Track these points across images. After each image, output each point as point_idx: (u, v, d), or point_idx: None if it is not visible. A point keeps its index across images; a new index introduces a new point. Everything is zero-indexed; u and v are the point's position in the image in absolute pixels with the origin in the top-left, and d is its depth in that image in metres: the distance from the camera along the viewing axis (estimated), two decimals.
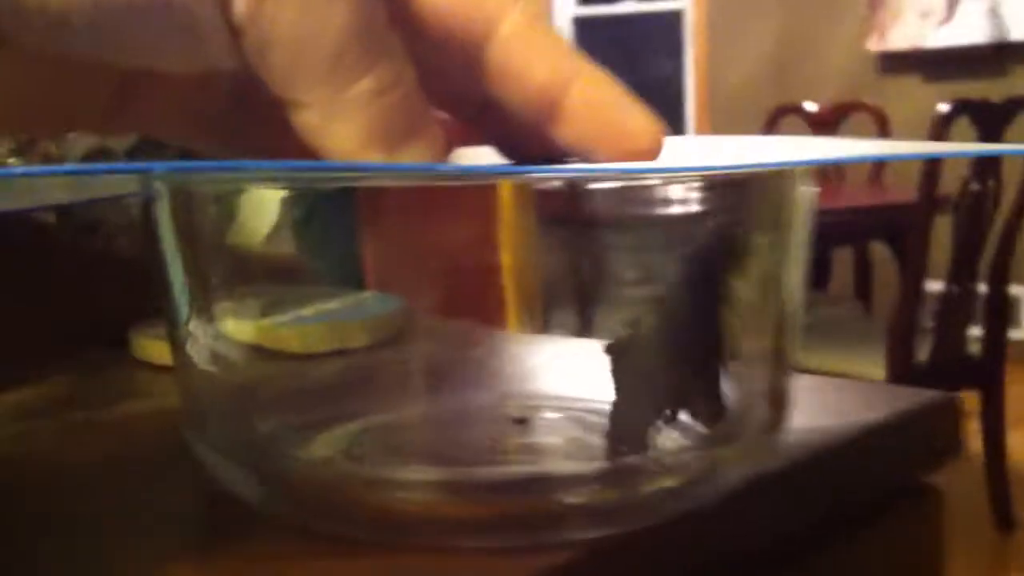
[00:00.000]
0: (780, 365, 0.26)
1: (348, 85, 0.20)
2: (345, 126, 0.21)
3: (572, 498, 0.23)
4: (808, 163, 0.25)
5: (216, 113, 0.27)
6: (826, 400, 0.32)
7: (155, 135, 0.27)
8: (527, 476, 0.24)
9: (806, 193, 0.25)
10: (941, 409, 0.31)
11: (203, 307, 0.25)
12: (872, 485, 0.30)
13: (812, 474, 0.27)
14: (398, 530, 0.23)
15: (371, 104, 0.21)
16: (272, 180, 0.23)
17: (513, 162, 0.25)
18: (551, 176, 0.23)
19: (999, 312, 1.93)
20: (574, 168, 0.23)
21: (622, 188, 0.23)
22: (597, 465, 0.24)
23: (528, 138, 0.25)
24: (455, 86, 0.26)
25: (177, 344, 0.26)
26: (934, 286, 1.80)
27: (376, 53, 0.21)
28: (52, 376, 0.40)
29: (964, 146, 0.25)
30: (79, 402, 0.37)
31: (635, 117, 0.23)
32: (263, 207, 0.24)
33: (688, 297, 0.24)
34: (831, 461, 0.28)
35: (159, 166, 0.18)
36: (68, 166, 0.17)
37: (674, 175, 0.23)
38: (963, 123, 1.80)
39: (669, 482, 0.24)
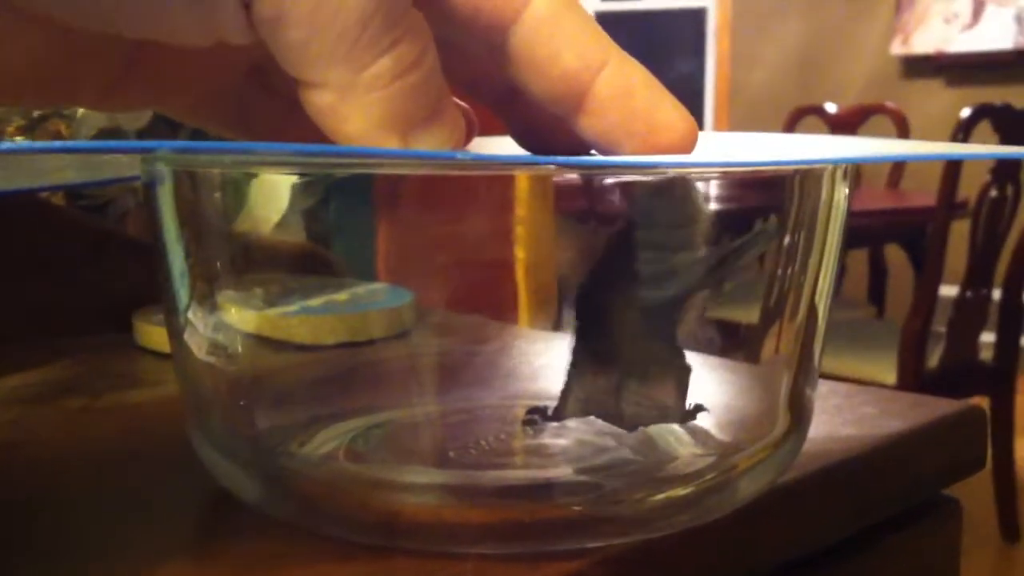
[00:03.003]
0: (803, 372, 0.25)
1: (366, 65, 0.19)
2: (360, 108, 0.20)
3: (579, 506, 0.22)
4: (833, 161, 0.24)
5: (227, 91, 0.26)
6: (847, 408, 0.31)
7: (163, 111, 0.26)
8: (534, 482, 0.23)
9: (839, 194, 0.24)
10: (967, 420, 0.30)
11: (204, 295, 0.24)
12: (893, 497, 0.29)
13: (830, 486, 0.26)
14: (399, 534, 0.22)
15: (389, 86, 0.19)
16: (281, 164, 0.22)
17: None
18: (569, 168, 0.21)
19: (1013, 319, 1.92)
20: (591, 160, 0.22)
21: (643, 183, 0.22)
22: (608, 472, 0.23)
23: (554, 131, 0.24)
24: (479, 71, 0.25)
25: (175, 333, 0.25)
26: (949, 291, 1.79)
27: (398, 32, 0.19)
28: (55, 361, 0.39)
29: (984, 148, 0.24)
30: (80, 388, 0.36)
31: (666, 110, 0.22)
32: (274, 194, 0.23)
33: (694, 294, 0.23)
34: (851, 472, 0.27)
35: (164, 145, 0.17)
36: (69, 143, 0.16)
37: (695, 170, 0.22)
38: (984, 128, 1.79)
39: (682, 491, 0.23)
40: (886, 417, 0.29)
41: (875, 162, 0.24)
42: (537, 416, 0.24)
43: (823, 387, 0.32)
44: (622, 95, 0.21)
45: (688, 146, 0.22)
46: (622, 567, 0.22)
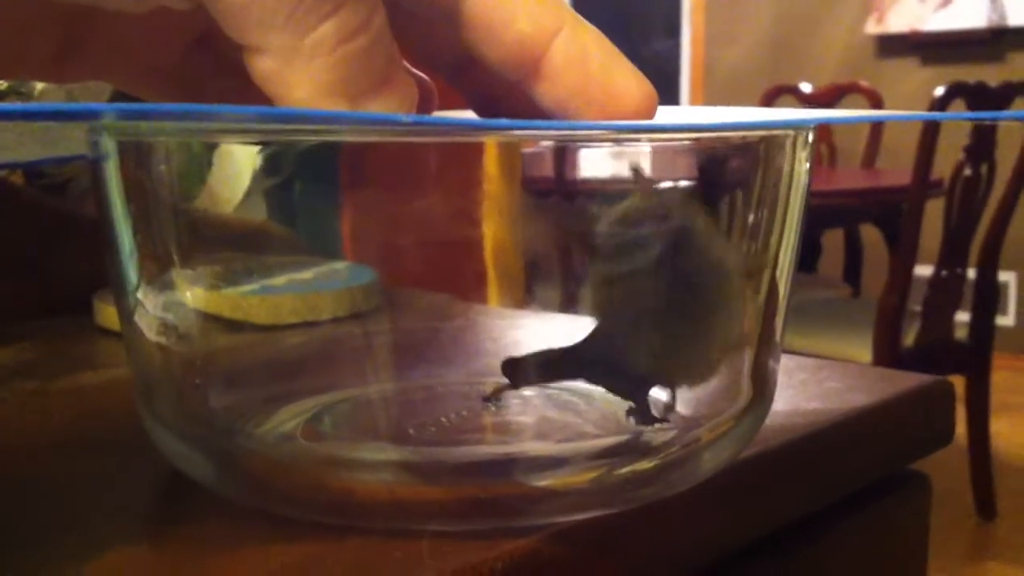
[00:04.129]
0: (765, 346, 0.24)
1: (308, 29, 0.19)
2: (305, 74, 0.19)
3: (540, 481, 0.22)
4: (795, 123, 0.23)
5: (178, 64, 0.25)
6: (812, 383, 0.30)
7: (114, 83, 0.25)
8: (493, 458, 0.23)
9: (800, 166, 0.24)
10: (934, 394, 0.30)
11: (155, 274, 0.24)
12: (858, 471, 0.29)
13: (794, 459, 0.26)
14: (353, 513, 0.22)
15: (333, 51, 0.19)
16: (232, 131, 0.21)
17: None
18: (530, 133, 0.21)
19: (987, 298, 1.93)
20: (554, 124, 0.21)
21: (607, 154, 0.21)
22: (568, 447, 0.23)
23: (510, 100, 0.24)
24: (433, 39, 0.24)
25: (125, 314, 0.24)
26: (924, 270, 1.79)
27: None
28: (11, 343, 0.39)
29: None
30: (36, 371, 0.35)
31: (623, 75, 0.21)
32: (236, 172, 0.23)
33: (667, 271, 0.22)
34: (815, 446, 0.27)
35: (109, 108, 0.17)
36: (9, 106, 0.15)
37: (660, 135, 0.22)
38: (959, 107, 1.79)
39: (644, 465, 0.23)
40: (852, 392, 0.29)
41: (834, 123, 0.24)
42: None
43: (789, 362, 0.31)
44: (578, 61, 0.21)
45: (647, 113, 0.21)
46: (582, 542, 0.21)
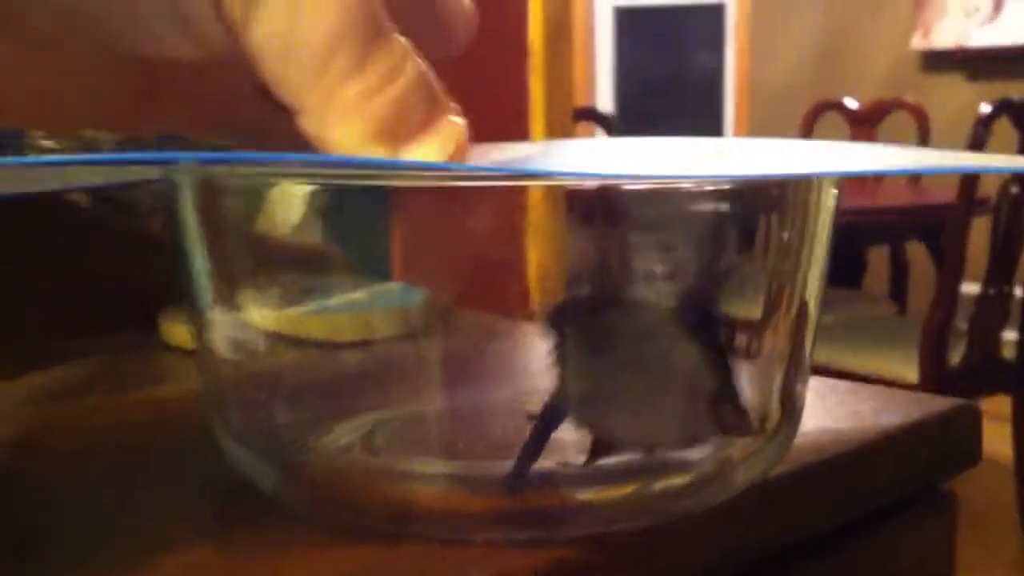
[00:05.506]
0: (794, 369, 0.26)
1: (339, 88, 0.20)
2: (342, 129, 0.20)
3: (581, 495, 0.23)
4: (834, 174, 0.25)
5: (239, 105, 0.27)
6: (843, 404, 0.32)
7: (178, 129, 0.27)
8: (538, 472, 0.24)
9: (829, 196, 0.25)
10: (961, 416, 0.31)
11: (225, 294, 0.26)
12: (884, 489, 0.30)
13: (822, 477, 0.27)
14: (409, 521, 0.23)
15: (366, 104, 0.20)
16: (294, 175, 0.23)
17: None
18: (573, 178, 0.23)
19: None
20: (597, 173, 0.23)
21: (647, 190, 0.23)
22: (606, 463, 0.24)
23: None
24: None
25: (198, 331, 0.26)
26: (970, 288, 1.78)
27: (368, 50, 0.20)
28: (80, 357, 0.41)
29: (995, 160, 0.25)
30: (105, 385, 0.37)
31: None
32: (291, 199, 0.24)
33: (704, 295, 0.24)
34: (841, 464, 0.28)
35: (184, 157, 0.18)
36: (91, 156, 0.17)
37: (698, 180, 0.23)
38: (1004, 123, 1.78)
39: (678, 480, 0.24)
40: (881, 413, 0.30)
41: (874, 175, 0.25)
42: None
43: (822, 385, 0.33)
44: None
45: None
46: (618, 552, 0.23)
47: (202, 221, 0.25)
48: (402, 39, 0.21)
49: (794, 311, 0.25)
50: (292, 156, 0.22)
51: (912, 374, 1.78)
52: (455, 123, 0.22)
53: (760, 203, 0.24)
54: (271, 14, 0.19)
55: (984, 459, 0.32)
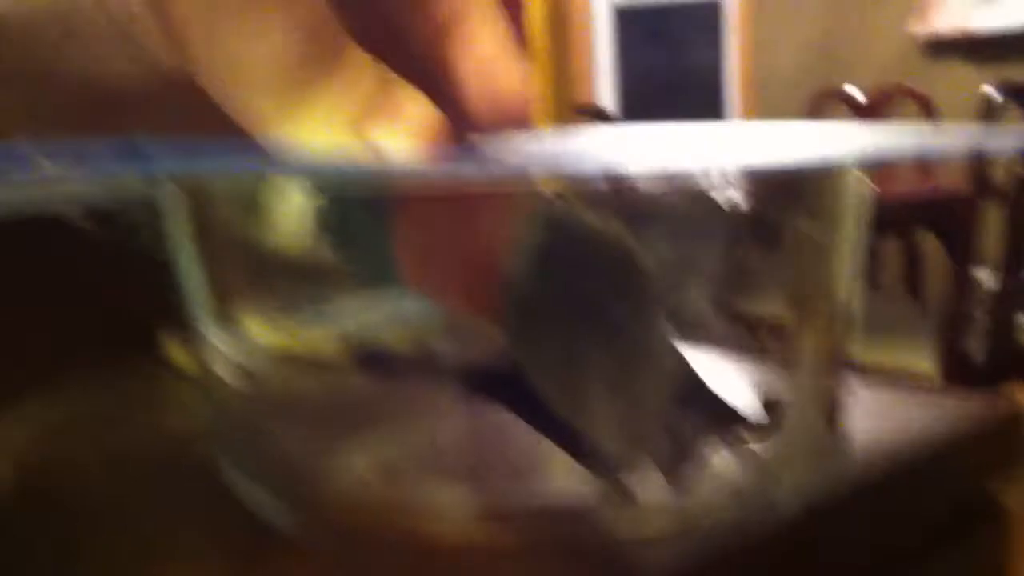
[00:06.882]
0: (834, 373, 0.24)
1: (299, 100, 0.19)
2: (310, 136, 0.20)
3: (612, 525, 0.21)
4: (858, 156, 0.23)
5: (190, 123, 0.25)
6: (883, 409, 0.30)
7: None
8: (567, 498, 0.22)
9: (858, 186, 0.23)
10: (1007, 419, 0.29)
11: (223, 312, 0.24)
12: (935, 502, 0.28)
13: (874, 494, 0.26)
14: (427, 558, 0.21)
15: (330, 108, 0.19)
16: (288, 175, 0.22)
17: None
18: (588, 172, 0.21)
19: None
20: (607, 163, 0.21)
21: (663, 182, 0.21)
22: (641, 484, 0.22)
23: None
24: None
25: (197, 352, 0.24)
26: (985, 277, 1.76)
27: (324, 62, 0.19)
28: (79, 381, 0.39)
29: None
30: (108, 412, 0.36)
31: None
32: (290, 203, 0.23)
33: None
34: (895, 479, 0.26)
35: (169, 166, 0.17)
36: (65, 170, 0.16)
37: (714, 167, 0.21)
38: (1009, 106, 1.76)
39: (724, 513, 0.22)
40: (927, 419, 0.29)
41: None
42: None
43: (862, 390, 0.31)
44: None
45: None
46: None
47: (194, 234, 0.23)
48: (358, 49, 0.20)
49: (831, 314, 0.23)
50: (282, 165, 0.21)
51: (927, 365, 1.76)
52: (414, 98, 0.21)
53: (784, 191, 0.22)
54: (224, 39, 0.19)
55: None
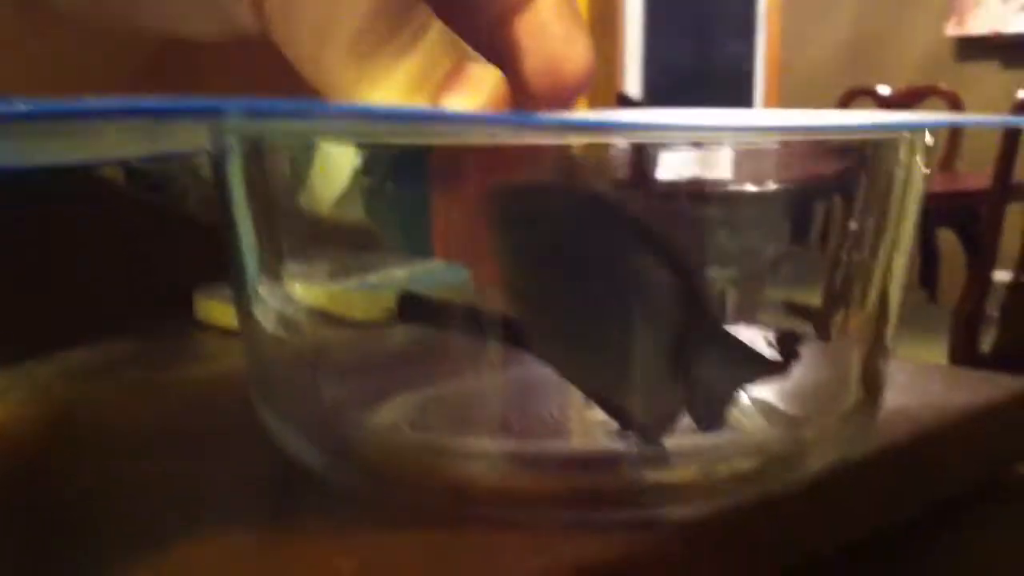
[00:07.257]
0: (876, 349, 0.24)
1: (372, 59, 0.20)
2: (375, 93, 0.20)
3: (645, 476, 0.22)
4: (909, 126, 0.23)
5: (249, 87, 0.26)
6: (914, 384, 0.30)
7: None
8: (600, 452, 0.23)
9: (916, 174, 0.24)
10: None
11: (272, 269, 0.25)
12: (961, 474, 0.28)
13: (900, 462, 0.26)
14: (463, 502, 0.22)
15: (397, 64, 0.20)
16: (346, 130, 0.22)
17: None
18: (622, 133, 0.21)
19: None
20: (649, 124, 0.22)
21: (699, 154, 0.22)
22: (672, 442, 0.23)
23: None
24: None
25: (243, 306, 0.25)
26: (1002, 276, 1.76)
27: (397, 21, 0.20)
28: (116, 337, 0.40)
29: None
30: (140, 363, 0.37)
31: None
32: (334, 171, 0.23)
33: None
34: (923, 449, 0.27)
35: (229, 105, 0.17)
36: (132, 103, 0.16)
37: (753, 136, 0.22)
38: None
39: (747, 464, 0.23)
40: (954, 393, 0.29)
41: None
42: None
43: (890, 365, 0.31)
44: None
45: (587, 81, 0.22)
46: (686, 537, 0.22)
47: (250, 190, 0.24)
48: (436, 18, 0.20)
49: (877, 290, 0.24)
50: (343, 107, 0.21)
51: (942, 361, 1.76)
52: (487, 70, 0.21)
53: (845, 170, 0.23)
54: (304, 1, 0.19)
55: None
